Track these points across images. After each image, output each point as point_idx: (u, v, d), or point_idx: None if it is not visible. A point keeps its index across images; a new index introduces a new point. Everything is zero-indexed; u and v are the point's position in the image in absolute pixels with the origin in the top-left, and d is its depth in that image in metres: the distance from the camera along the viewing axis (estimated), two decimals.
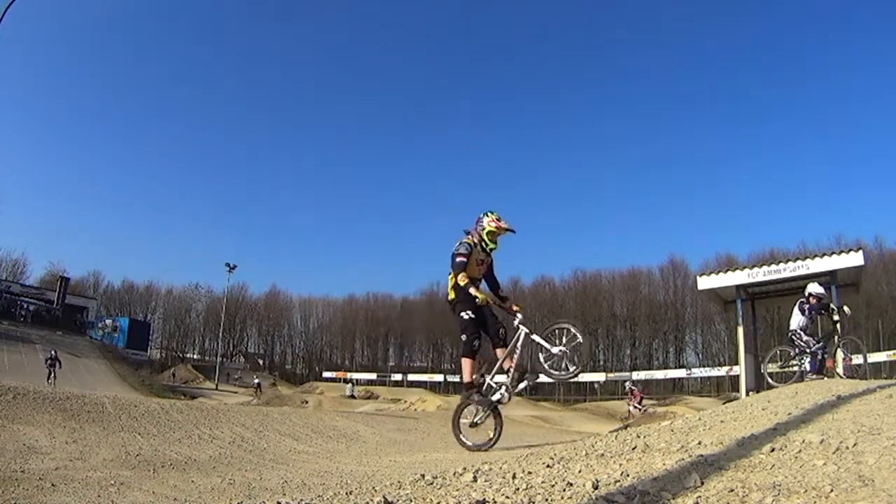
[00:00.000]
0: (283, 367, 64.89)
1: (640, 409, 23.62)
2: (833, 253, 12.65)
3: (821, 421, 2.50)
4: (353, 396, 37.54)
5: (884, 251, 44.74)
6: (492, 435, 4.75)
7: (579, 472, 1.94)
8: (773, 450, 1.86)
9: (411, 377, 56.21)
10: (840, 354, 8.75)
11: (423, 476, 2.09)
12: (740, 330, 14.06)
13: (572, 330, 4.58)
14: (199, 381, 45.45)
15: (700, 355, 52.33)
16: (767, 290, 14.14)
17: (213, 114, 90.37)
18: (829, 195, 72.48)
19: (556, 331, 4.64)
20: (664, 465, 1.86)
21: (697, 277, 15.09)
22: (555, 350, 4.55)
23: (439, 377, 55.94)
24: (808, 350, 8.21)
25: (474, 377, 4.86)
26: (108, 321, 49.01)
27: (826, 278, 11.79)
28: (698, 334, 53.46)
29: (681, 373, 48.93)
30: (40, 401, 7.00)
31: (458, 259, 4.83)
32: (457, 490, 1.81)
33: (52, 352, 23.54)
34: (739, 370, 14.45)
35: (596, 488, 1.65)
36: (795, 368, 8.43)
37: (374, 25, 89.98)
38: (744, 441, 2.12)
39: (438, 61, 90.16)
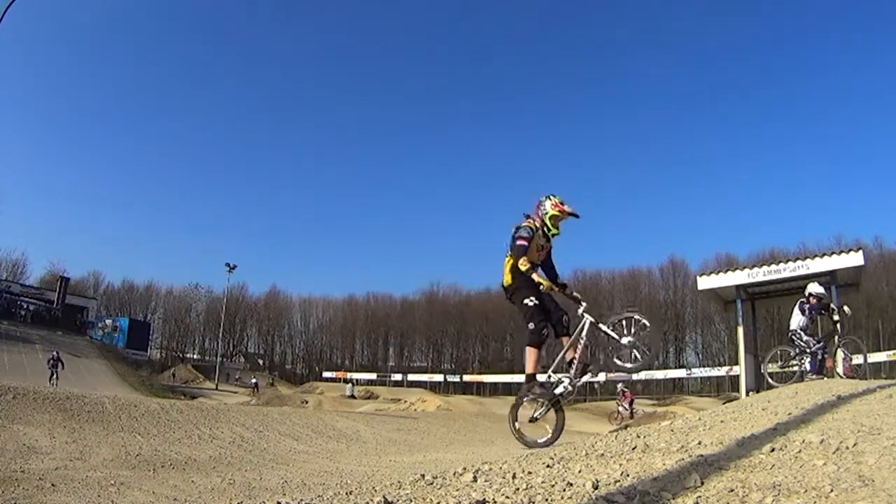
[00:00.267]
0: (283, 367, 64.88)
1: (628, 411, 23.72)
2: (833, 253, 12.66)
3: (821, 421, 2.50)
4: (353, 396, 37.53)
5: (884, 251, 44.78)
6: (551, 432, 4.53)
7: (579, 472, 1.94)
8: (773, 450, 1.86)
9: (411, 377, 56.20)
10: (840, 354, 8.75)
11: (423, 476, 2.09)
12: (740, 330, 14.06)
13: (640, 319, 4.35)
14: (199, 381, 45.47)
15: (700, 355, 52.37)
16: (767, 290, 14.14)
17: (213, 113, 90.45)
18: (829, 195, 72.54)
19: (623, 321, 4.41)
20: (664, 465, 1.86)
21: (697, 277, 15.09)
22: (624, 340, 4.32)
23: (439, 377, 55.96)
24: (808, 350, 8.21)
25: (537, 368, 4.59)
26: (108, 321, 49.01)
27: (826, 278, 11.79)
28: (698, 334, 53.48)
29: (681, 373, 48.93)
30: (40, 401, 7.00)
31: (518, 242, 4.54)
32: (457, 490, 1.81)
33: (55, 352, 23.24)
34: (739, 370, 14.45)
35: (596, 488, 1.64)
36: (795, 368, 8.43)
37: (374, 25, 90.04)
38: (744, 441, 2.12)
39: (439, 61, 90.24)
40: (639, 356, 4.30)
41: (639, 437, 2.77)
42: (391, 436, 9.95)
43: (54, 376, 21.52)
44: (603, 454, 2.33)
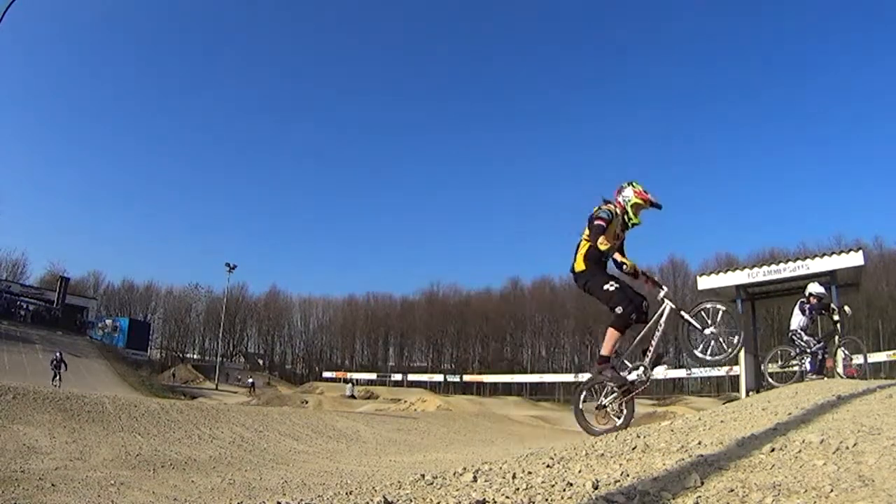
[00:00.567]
0: (283, 367, 64.88)
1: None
2: (833, 253, 12.65)
3: (821, 421, 2.50)
4: (353, 396, 37.53)
5: (884, 251, 44.77)
6: (619, 420, 4.31)
7: (579, 472, 1.94)
8: (773, 450, 1.86)
9: (411, 377, 56.20)
10: (840, 354, 8.75)
11: (423, 476, 2.09)
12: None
13: (721, 309, 4.17)
14: (199, 381, 45.44)
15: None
16: (767, 291, 14.14)
17: (213, 113, 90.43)
18: (829, 195, 72.52)
19: (704, 312, 4.21)
20: (664, 465, 1.86)
21: (697, 277, 15.08)
22: (707, 331, 4.12)
23: (439, 377, 55.95)
24: (808, 350, 8.21)
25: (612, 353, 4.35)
26: (108, 321, 48.99)
27: (826, 278, 11.78)
28: None
29: (681, 373, 48.84)
30: (40, 401, 7.01)
31: (597, 223, 4.31)
32: (457, 490, 1.81)
33: (58, 353, 22.67)
34: (739, 370, 14.45)
35: (596, 488, 1.64)
36: (795, 368, 8.43)
37: (374, 25, 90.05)
38: (744, 441, 2.12)
39: (438, 61, 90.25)
40: (721, 348, 4.13)
41: (639, 437, 2.77)
42: (391, 436, 9.95)
43: (57, 377, 21.01)
44: (603, 454, 2.33)
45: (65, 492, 3.52)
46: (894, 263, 44.26)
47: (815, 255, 12.91)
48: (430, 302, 64.19)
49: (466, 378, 54.44)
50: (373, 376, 57.39)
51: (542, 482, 1.80)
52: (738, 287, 13.69)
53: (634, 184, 4.45)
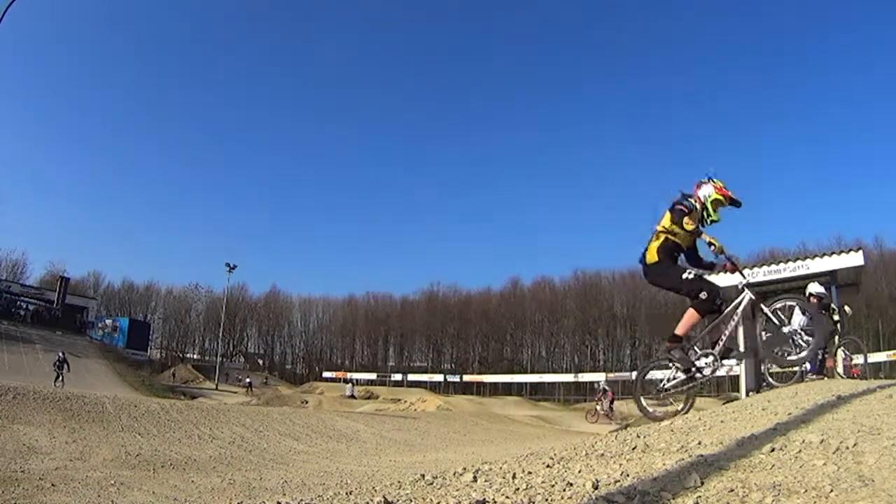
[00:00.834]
0: (283, 367, 64.88)
1: (606, 413, 23.95)
2: (833, 253, 12.64)
3: (821, 421, 2.50)
4: (353, 396, 37.51)
5: (884, 251, 44.75)
6: (680, 406, 4.15)
7: (579, 472, 1.94)
8: (773, 450, 1.86)
9: (411, 377, 56.20)
10: (840, 354, 8.75)
11: (423, 476, 2.09)
12: (740, 330, 14.03)
13: (804, 308, 4.00)
14: (199, 381, 45.42)
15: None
16: (767, 291, 14.12)
17: (213, 113, 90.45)
18: (829, 195, 72.52)
19: (783, 308, 4.00)
20: (664, 465, 1.86)
21: None
22: (785, 329, 3.93)
23: (439, 377, 55.94)
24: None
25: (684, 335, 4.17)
26: (108, 321, 49.01)
27: (826, 278, 11.77)
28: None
29: None
30: (40, 401, 7.02)
31: (678, 207, 4.22)
32: (457, 490, 1.81)
33: (61, 353, 22.36)
34: (739, 370, 14.44)
35: (596, 488, 1.64)
36: (795, 368, 8.42)
37: (374, 26, 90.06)
38: (744, 441, 2.12)
39: (439, 62, 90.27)
40: (801, 347, 3.98)
41: (639, 437, 2.77)
42: (391, 436, 9.96)
43: (60, 378, 20.64)
44: (603, 454, 2.33)
45: (65, 492, 3.52)
46: (894, 263, 44.24)
47: (815, 255, 12.90)
48: (430, 302, 64.18)
49: (466, 378, 54.44)
50: (373, 376, 57.39)
51: (542, 482, 1.80)
52: (738, 287, 13.68)
53: (714, 179, 4.33)
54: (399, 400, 35.07)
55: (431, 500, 1.69)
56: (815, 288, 8.49)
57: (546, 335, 58.91)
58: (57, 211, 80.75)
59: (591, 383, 49.14)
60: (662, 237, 4.29)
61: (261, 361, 64.23)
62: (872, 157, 70.50)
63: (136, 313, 59.84)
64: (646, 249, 4.37)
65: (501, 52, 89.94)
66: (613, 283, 58.38)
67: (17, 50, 66.16)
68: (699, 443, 2.25)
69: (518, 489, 1.73)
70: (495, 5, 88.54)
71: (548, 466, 2.14)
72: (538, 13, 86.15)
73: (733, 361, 4.18)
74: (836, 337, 8.50)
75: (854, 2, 69.75)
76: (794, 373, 8.42)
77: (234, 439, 7.18)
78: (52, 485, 3.66)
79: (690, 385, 4.16)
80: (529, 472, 2.02)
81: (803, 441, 1.91)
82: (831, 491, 1.38)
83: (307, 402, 31.18)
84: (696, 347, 4.22)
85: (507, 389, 50.82)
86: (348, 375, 54.17)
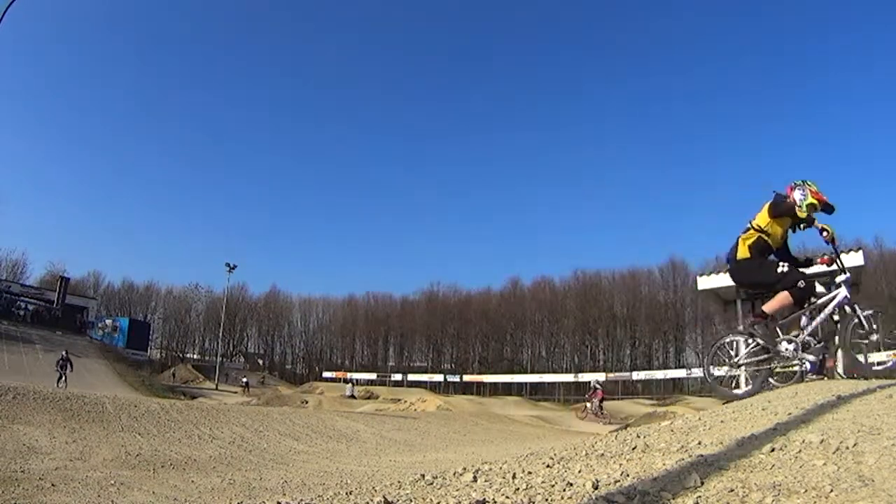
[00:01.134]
0: (283, 367, 64.87)
1: (595, 412, 24.05)
2: None
3: (821, 421, 2.50)
4: (353, 396, 37.48)
5: (884, 251, 44.78)
6: (750, 385, 4.13)
7: (579, 472, 1.94)
8: (773, 450, 1.86)
9: (411, 377, 56.19)
10: (840, 354, 8.74)
11: (423, 476, 2.09)
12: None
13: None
14: (199, 381, 45.42)
15: (700, 355, 52.32)
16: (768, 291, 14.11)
17: (213, 113, 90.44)
18: (829, 195, 72.37)
19: (870, 316, 3.97)
20: (664, 465, 1.86)
21: (697, 277, 15.05)
22: (874, 337, 3.88)
23: (439, 377, 55.93)
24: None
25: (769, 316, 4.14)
26: (108, 321, 49.00)
27: (826, 278, 11.76)
28: (698, 334, 53.42)
29: (681, 373, 48.92)
30: (40, 401, 7.02)
31: (777, 198, 4.30)
32: (457, 490, 1.81)
33: (64, 353, 21.98)
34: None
35: (596, 488, 1.64)
36: (796, 368, 8.41)
37: (375, 26, 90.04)
38: (744, 441, 2.12)
39: (439, 62, 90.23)
40: (887, 358, 3.89)
41: (639, 437, 2.77)
42: (391, 436, 9.96)
43: (63, 378, 20.29)
44: (603, 454, 2.33)
45: (65, 492, 3.52)
46: (894, 263, 44.24)
47: (816, 255, 12.88)
48: (430, 302, 64.16)
49: (466, 378, 54.43)
50: (373, 376, 57.38)
51: (542, 482, 1.80)
52: (738, 287, 13.68)
53: (809, 183, 4.32)
54: (399, 400, 35.04)
55: (431, 500, 1.69)
56: (816, 287, 8.50)
57: (546, 335, 58.90)
58: (57, 211, 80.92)
59: (591, 383, 49.14)
60: (756, 235, 4.30)
61: (261, 361, 64.22)
62: (872, 157, 70.55)
63: (136, 313, 59.85)
64: (735, 247, 4.37)
65: (501, 52, 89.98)
66: (613, 283, 58.40)
67: (17, 50, 66.21)
68: (699, 443, 2.25)
69: (518, 489, 1.73)
70: (495, 5, 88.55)
71: (548, 466, 2.14)
72: (538, 13, 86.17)
73: (812, 357, 4.18)
74: (837, 337, 8.50)
75: (854, 2, 69.76)
76: (794, 373, 8.41)
77: (234, 439, 7.18)
78: (52, 485, 3.66)
79: (765, 365, 4.17)
80: (529, 472, 2.02)
81: (803, 441, 1.91)
82: (831, 491, 1.38)
83: (307, 402, 31.15)
84: (779, 330, 4.23)
85: (507, 389, 50.80)
86: (348, 375, 54.15)
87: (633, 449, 2.33)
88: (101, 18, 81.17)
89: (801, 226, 4.30)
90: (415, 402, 31.12)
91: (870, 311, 4.04)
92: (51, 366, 22.05)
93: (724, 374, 4.29)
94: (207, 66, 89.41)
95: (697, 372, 47.28)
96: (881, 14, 64.14)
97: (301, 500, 1.94)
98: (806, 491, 1.41)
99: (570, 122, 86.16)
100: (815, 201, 4.25)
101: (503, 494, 1.68)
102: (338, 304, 68.45)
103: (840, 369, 8.80)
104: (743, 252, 4.30)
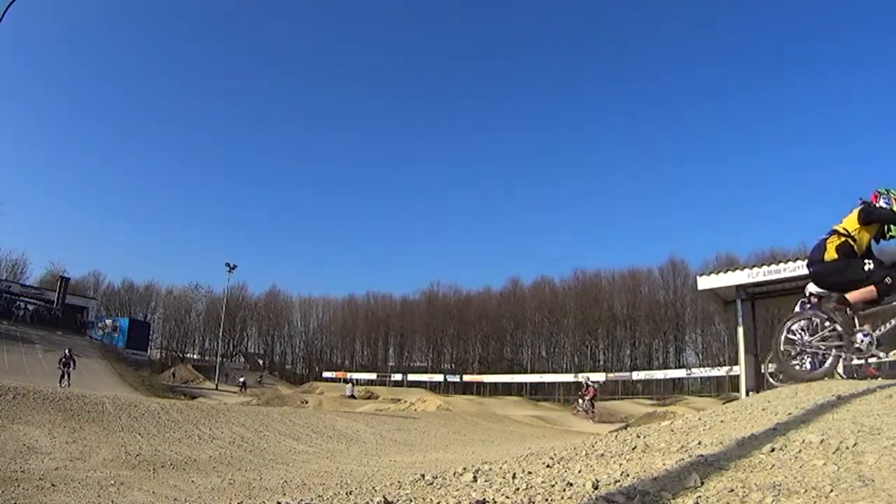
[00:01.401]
0: (283, 367, 64.88)
1: (586, 410, 24.18)
2: None
3: (821, 421, 2.50)
4: (353, 396, 37.47)
5: (884, 251, 44.71)
6: (816, 368, 4.22)
7: (579, 472, 1.94)
8: (773, 450, 1.86)
9: (411, 377, 56.19)
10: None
11: (423, 476, 2.09)
12: (740, 330, 14.06)
13: None
14: (199, 381, 45.41)
15: (700, 355, 52.33)
16: (768, 290, 14.14)
17: (214, 114, 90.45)
18: (829, 195, 72.47)
19: None
20: (664, 465, 1.86)
21: (697, 277, 15.08)
22: None
23: (439, 377, 55.94)
24: (808, 350, 8.19)
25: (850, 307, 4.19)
26: (108, 321, 48.99)
27: None
28: (698, 334, 53.45)
29: (681, 373, 48.93)
30: (40, 401, 7.02)
31: (867, 206, 4.40)
32: (457, 490, 1.81)
33: (67, 351, 21.86)
34: (739, 370, 14.45)
35: (596, 488, 1.64)
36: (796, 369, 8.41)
37: (375, 27, 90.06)
38: (744, 441, 2.12)
39: (438, 62, 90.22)
40: None
41: (639, 437, 2.77)
42: (391, 436, 9.96)
43: (65, 377, 20.22)
44: (603, 454, 2.33)
45: (65, 492, 3.52)
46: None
47: None
48: (430, 302, 64.17)
49: (466, 378, 54.44)
50: (373, 376, 57.38)
51: (542, 482, 1.80)
52: (738, 287, 13.69)
53: (893, 191, 4.44)
54: (399, 400, 35.04)
55: (431, 500, 1.69)
56: (815, 287, 8.49)
57: (546, 335, 58.91)
58: (57, 211, 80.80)
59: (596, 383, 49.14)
60: (842, 239, 4.43)
61: (261, 361, 64.22)
62: (872, 157, 70.49)
63: (136, 313, 59.83)
64: (822, 249, 4.48)
65: (501, 52, 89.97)
66: (613, 283, 58.42)
67: (17, 50, 66.17)
68: (699, 443, 2.25)
69: (518, 489, 1.73)
70: (495, 5, 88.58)
71: (548, 466, 2.14)
72: (538, 13, 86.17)
73: (882, 354, 4.23)
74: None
75: (854, 2, 69.77)
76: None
77: (234, 439, 7.18)
78: (52, 485, 3.66)
79: (838, 352, 4.25)
80: (529, 472, 2.02)
81: (803, 441, 1.91)
82: (831, 491, 1.38)
83: (307, 402, 31.14)
84: (856, 320, 4.29)
85: (507, 389, 50.81)
86: (348, 375, 54.14)
87: (633, 449, 2.33)
88: (101, 18, 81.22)
89: (888, 234, 4.46)
90: (415, 402, 31.11)
91: None
92: (51, 366, 22.02)
93: (792, 353, 4.44)
94: (207, 66, 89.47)
95: (698, 372, 47.36)
96: (881, 14, 64.17)
97: (301, 500, 1.94)
98: (806, 491, 1.41)
99: (571, 122, 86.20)
100: None
101: (503, 494, 1.68)
102: (338, 304, 68.54)
103: (840, 369, 8.80)
104: (830, 254, 4.45)
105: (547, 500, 1.59)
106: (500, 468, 2.19)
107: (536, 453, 2.76)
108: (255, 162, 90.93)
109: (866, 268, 4.23)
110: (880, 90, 67.84)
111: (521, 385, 51.86)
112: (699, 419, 3.49)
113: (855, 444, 1.76)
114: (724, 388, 43.34)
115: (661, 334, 54.35)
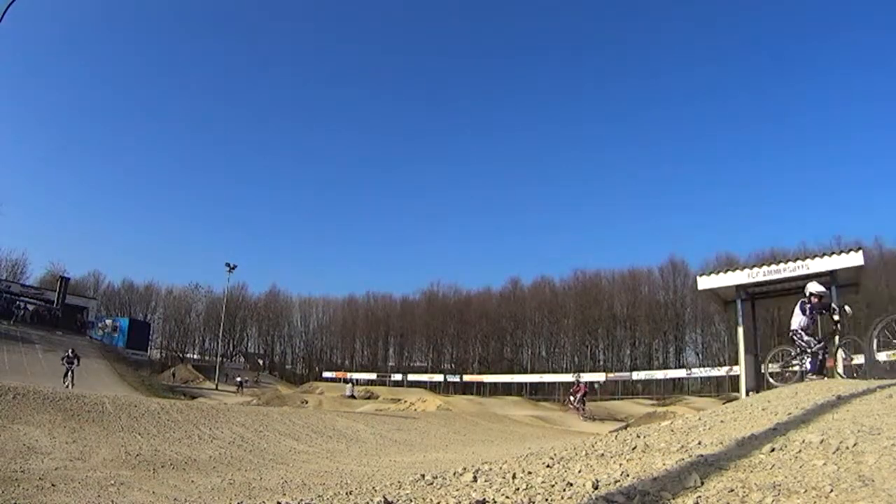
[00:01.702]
0: (283, 367, 64.89)
1: (577, 407, 24.32)
2: (833, 253, 12.65)
3: (821, 421, 2.50)
4: (353, 396, 37.49)
5: (884, 251, 44.71)
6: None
7: (579, 472, 1.94)
8: (773, 450, 1.86)
9: (411, 377, 56.17)
10: (841, 354, 8.76)
11: (423, 476, 2.09)
12: (740, 330, 14.06)
13: None
14: (199, 381, 45.42)
15: (700, 355, 52.32)
16: (767, 290, 14.14)
17: (214, 114, 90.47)
18: (829, 195, 72.47)
19: None
20: (664, 465, 1.86)
21: (697, 277, 15.08)
22: None
23: (439, 377, 55.93)
24: (808, 350, 8.21)
25: None
26: (108, 321, 48.98)
27: (826, 278, 11.79)
28: (698, 334, 53.44)
29: (681, 373, 48.92)
30: (40, 401, 7.02)
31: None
32: (457, 490, 1.81)
33: (70, 350, 21.73)
34: (739, 370, 14.45)
35: (596, 488, 1.64)
36: (796, 368, 8.43)
37: (376, 27, 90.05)
38: (744, 441, 2.12)
39: (438, 63, 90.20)
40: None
41: (639, 437, 2.77)
42: (391, 436, 9.96)
43: (69, 375, 20.13)
44: (603, 454, 2.33)
45: (65, 492, 3.52)
46: (894, 263, 44.23)
47: (815, 255, 12.91)
48: (430, 302, 64.15)
49: (466, 378, 54.42)
50: (373, 376, 57.37)
51: (542, 482, 1.80)
52: (738, 287, 13.70)
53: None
54: (399, 400, 35.04)
55: (431, 500, 1.69)
56: (814, 287, 8.50)
57: (546, 335, 58.90)
58: (57, 211, 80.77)
59: (591, 383, 49.15)
60: None
61: (261, 361, 64.22)
62: (872, 157, 70.48)
63: (136, 313, 59.84)
64: None
65: (501, 52, 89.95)
66: (613, 283, 58.38)
67: (17, 50, 66.17)
68: (699, 443, 2.25)
69: (518, 489, 1.73)
70: (495, 5, 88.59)
71: (548, 466, 2.14)
72: (538, 13, 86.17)
73: None
74: (837, 337, 8.51)
75: (854, 2, 69.74)
76: (794, 373, 8.43)
77: (234, 439, 7.18)
78: (52, 485, 3.66)
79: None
80: (529, 472, 2.02)
81: (803, 441, 1.91)
82: (831, 491, 1.38)
83: (307, 402, 31.14)
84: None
85: (507, 389, 50.80)
86: (348, 375, 54.14)
87: (633, 449, 2.33)
88: (101, 18, 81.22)
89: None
90: (415, 402, 31.12)
91: None
92: (51, 366, 22.01)
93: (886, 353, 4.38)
94: (207, 66, 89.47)
95: (698, 372, 47.35)
96: (881, 14, 64.15)
97: (301, 500, 1.94)
98: (806, 491, 1.41)
99: (570, 122, 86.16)
100: None
101: (503, 494, 1.68)
102: (338, 304, 68.50)
103: (840, 369, 8.82)
104: None
105: (547, 500, 1.59)
106: (500, 468, 2.19)
107: (536, 453, 2.76)
108: (255, 162, 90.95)
109: None
110: (880, 90, 67.73)
111: (521, 385, 51.85)
112: (699, 419, 3.49)
113: (855, 444, 1.76)
114: (724, 388, 43.34)
115: (661, 334, 54.34)
